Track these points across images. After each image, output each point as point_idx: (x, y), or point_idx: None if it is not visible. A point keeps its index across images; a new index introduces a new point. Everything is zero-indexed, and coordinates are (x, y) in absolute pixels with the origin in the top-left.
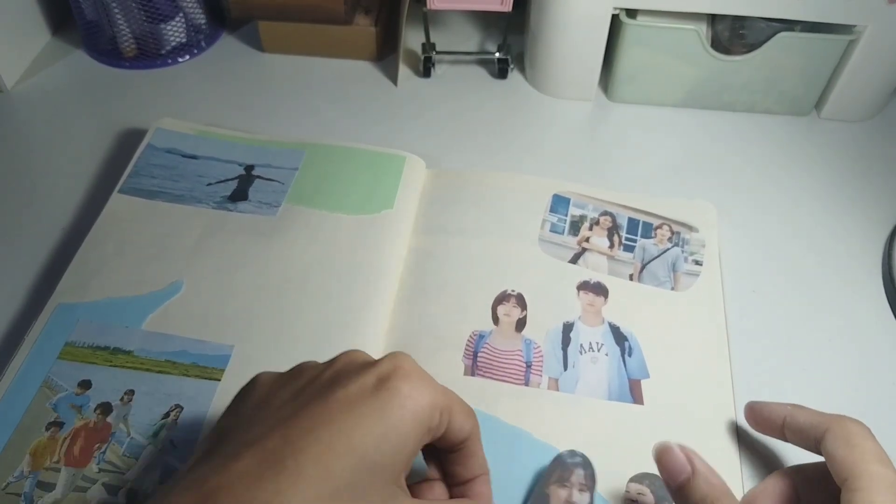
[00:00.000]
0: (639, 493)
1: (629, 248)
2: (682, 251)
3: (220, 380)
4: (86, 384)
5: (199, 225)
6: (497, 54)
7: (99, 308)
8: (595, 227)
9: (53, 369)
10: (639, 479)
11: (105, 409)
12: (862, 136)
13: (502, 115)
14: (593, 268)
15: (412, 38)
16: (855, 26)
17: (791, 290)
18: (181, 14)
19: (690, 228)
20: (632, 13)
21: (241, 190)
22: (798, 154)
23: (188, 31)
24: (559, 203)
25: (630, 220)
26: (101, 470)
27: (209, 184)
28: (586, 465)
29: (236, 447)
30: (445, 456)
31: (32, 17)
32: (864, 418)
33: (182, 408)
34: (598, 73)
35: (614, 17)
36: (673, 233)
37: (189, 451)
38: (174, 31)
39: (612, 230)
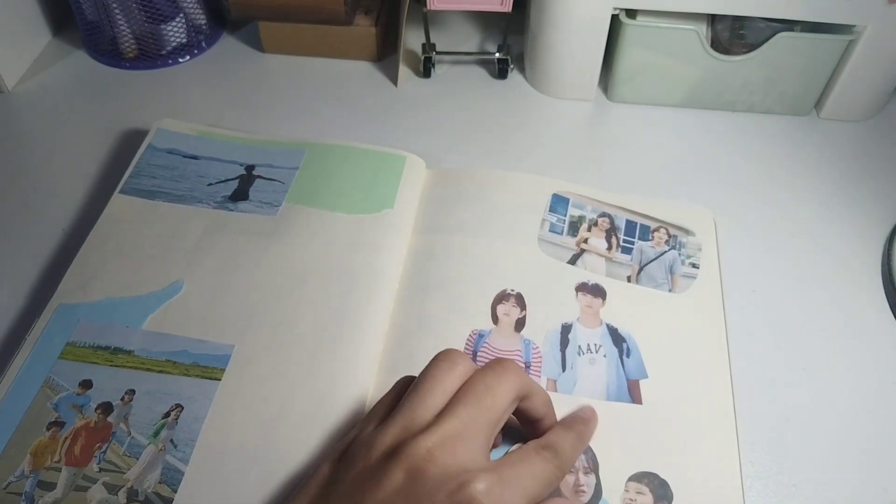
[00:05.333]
0: (638, 492)
1: (627, 251)
2: (679, 254)
3: (220, 379)
4: (86, 384)
5: (199, 225)
6: (497, 54)
7: (100, 308)
8: (593, 229)
9: (54, 369)
10: (637, 478)
11: (106, 408)
12: (862, 135)
13: (502, 115)
14: (592, 269)
15: (412, 39)
16: (855, 26)
17: (791, 289)
18: (181, 15)
19: (687, 232)
20: (631, 13)
21: (241, 190)
22: (798, 154)
23: (188, 32)
24: (558, 203)
25: (628, 222)
26: (101, 469)
27: (210, 184)
28: (586, 448)
29: None
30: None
31: (33, 18)
32: (864, 418)
33: (182, 407)
34: (598, 73)
35: (614, 18)
36: (670, 236)
37: (189, 450)
38: (174, 32)
39: (611, 232)
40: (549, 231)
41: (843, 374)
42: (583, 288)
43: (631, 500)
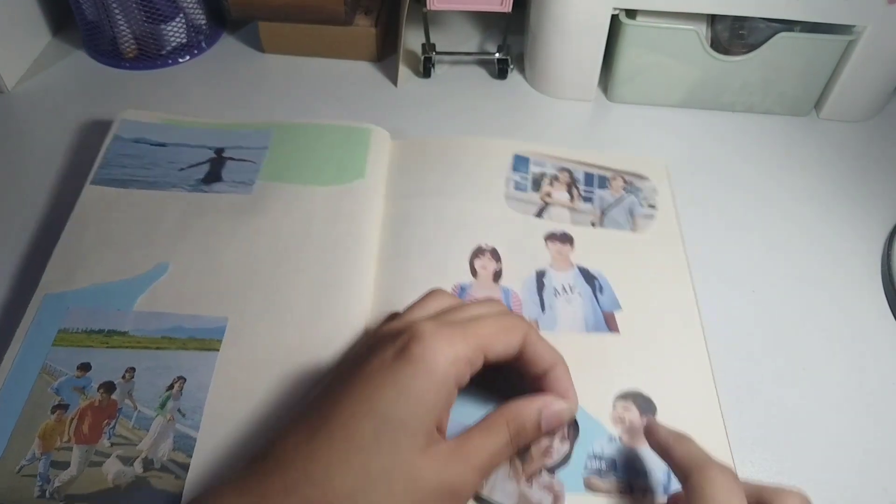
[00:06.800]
0: (625, 409)
1: (588, 199)
2: (637, 198)
3: (218, 350)
4: (85, 366)
5: (177, 208)
6: (497, 55)
7: (87, 294)
8: (555, 183)
9: (50, 356)
10: (623, 396)
11: (108, 387)
12: (861, 136)
13: (502, 115)
14: (557, 219)
15: (412, 39)
16: (854, 26)
17: (791, 289)
18: (181, 15)
19: (641, 178)
20: (631, 13)
21: (214, 172)
22: (797, 154)
23: (188, 32)
24: (520, 162)
25: (586, 174)
26: (113, 444)
27: (181, 168)
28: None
29: (292, 419)
30: (516, 366)
31: (33, 18)
32: (864, 418)
33: (185, 379)
34: (598, 73)
35: (614, 18)
36: (626, 182)
37: (198, 417)
38: (174, 32)
39: (571, 184)
40: (515, 189)
41: (843, 374)
42: (552, 237)
43: (619, 416)
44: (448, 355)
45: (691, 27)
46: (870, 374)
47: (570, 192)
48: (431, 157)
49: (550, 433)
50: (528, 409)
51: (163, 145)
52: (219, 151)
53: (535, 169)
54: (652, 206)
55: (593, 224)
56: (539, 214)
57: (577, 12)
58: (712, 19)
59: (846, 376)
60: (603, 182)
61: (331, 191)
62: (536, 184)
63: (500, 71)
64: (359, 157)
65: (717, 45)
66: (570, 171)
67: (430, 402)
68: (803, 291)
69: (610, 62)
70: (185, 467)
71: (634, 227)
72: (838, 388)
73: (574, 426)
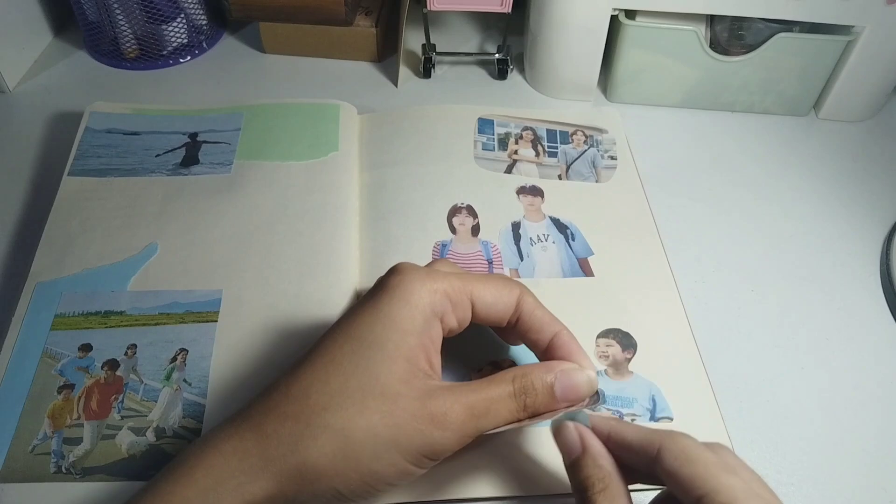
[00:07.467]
0: (607, 346)
1: (553, 154)
2: (598, 150)
3: (216, 321)
4: (86, 347)
5: (158, 192)
6: (497, 55)
7: (79, 280)
8: (520, 141)
9: (50, 340)
10: (604, 334)
11: (112, 364)
12: (860, 136)
13: None
14: (526, 174)
15: (412, 40)
16: (853, 27)
17: (790, 289)
18: (182, 15)
19: (600, 131)
20: (631, 14)
21: (190, 155)
22: (796, 154)
23: (189, 32)
24: (485, 125)
25: (548, 131)
26: (123, 417)
27: (157, 155)
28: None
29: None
30: (518, 334)
31: (34, 18)
32: (863, 418)
33: (187, 350)
34: (598, 73)
35: (613, 18)
36: (587, 136)
37: (204, 385)
38: (175, 32)
39: (535, 141)
40: (483, 149)
41: (842, 374)
42: (522, 191)
43: (603, 353)
44: (425, 284)
45: (690, 27)
46: (868, 373)
47: (535, 148)
48: (399, 128)
49: (569, 405)
50: (540, 369)
51: (136, 134)
52: (193, 136)
53: (499, 130)
54: (612, 158)
55: (560, 177)
56: (508, 171)
57: (576, 12)
58: (711, 20)
59: (845, 375)
60: (565, 137)
61: (308, 165)
62: (503, 143)
63: (500, 71)
64: (331, 132)
65: (717, 46)
66: (533, 130)
67: (406, 326)
68: (802, 291)
69: (609, 62)
70: (197, 432)
71: (598, 178)
72: (837, 387)
73: (595, 396)
